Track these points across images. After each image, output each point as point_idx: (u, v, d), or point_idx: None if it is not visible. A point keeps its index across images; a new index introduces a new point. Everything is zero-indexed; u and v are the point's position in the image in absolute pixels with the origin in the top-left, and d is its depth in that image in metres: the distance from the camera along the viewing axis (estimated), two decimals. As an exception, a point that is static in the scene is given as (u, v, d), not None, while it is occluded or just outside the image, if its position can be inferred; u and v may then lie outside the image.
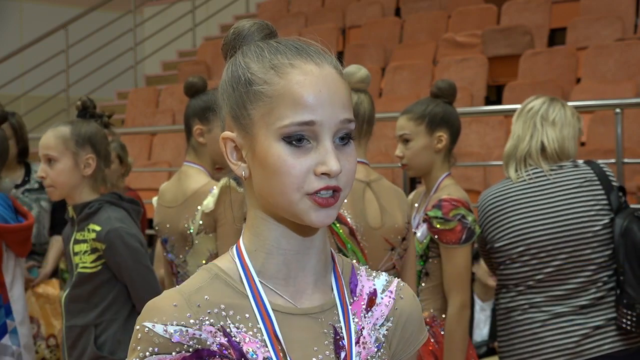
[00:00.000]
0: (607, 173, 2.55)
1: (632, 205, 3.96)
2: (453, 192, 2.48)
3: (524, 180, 2.56)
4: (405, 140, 2.54)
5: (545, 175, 2.55)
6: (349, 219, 2.19)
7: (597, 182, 2.53)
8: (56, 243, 3.96)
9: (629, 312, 2.43)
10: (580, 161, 2.60)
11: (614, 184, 2.54)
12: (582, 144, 4.99)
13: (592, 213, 2.50)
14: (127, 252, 2.35)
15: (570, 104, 4.30)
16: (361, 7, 8.14)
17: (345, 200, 2.16)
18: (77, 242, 2.42)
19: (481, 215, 2.61)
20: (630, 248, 2.44)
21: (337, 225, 2.16)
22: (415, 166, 2.55)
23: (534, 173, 2.56)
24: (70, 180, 2.43)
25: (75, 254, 2.42)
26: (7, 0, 10.06)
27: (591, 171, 2.55)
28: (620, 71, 5.57)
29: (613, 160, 3.89)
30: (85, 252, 2.39)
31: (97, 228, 2.37)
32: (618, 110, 3.85)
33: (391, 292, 1.12)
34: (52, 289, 3.86)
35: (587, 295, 2.48)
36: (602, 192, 2.52)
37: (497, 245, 2.55)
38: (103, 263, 2.38)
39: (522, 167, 2.58)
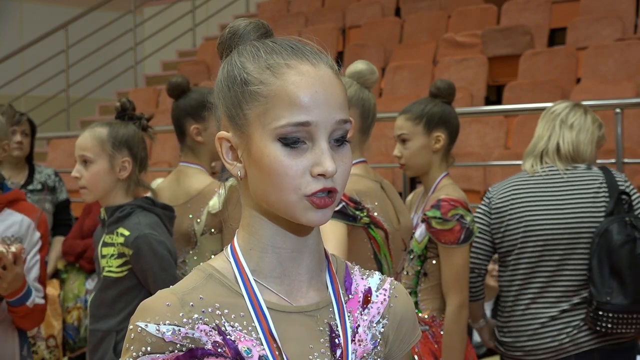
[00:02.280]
0: (617, 180, 2.61)
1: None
2: (451, 192, 2.48)
3: (540, 175, 2.65)
4: (403, 140, 2.54)
5: (559, 173, 2.63)
6: (383, 223, 2.17)
7: (605, 188, 2.58)
8: (57, 244, 3.96)
9: (596, 312, 2.48)
10: (595, 167, 2.66)
11: (622, 189, 2.58)
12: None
13: (595, 216, 2.56)
14: (154, 259, 2.26)
15: (570, 104, 4.30)
16: (361, 7, 8.14)
17: (376, 203, 2.17)
18: (105, 244, 2.36)
19: (493, 206, 2.67)
20: (603, 247, 2.50)
21: (375, 230, 2.14)
22: (413, 166, 2.55)
23: (549, 170, 2.65)
24: (104, 183, 2.35)
25: (103, 256, 2.36)
26: (7, 0, 10.06)
27: (602, 176, 2.61)
28: (620, 71, 5.57)
29: (613, 160, 3.89)
30: (112, 255, 2.32)
31: (126, 233, 2.29)
32: (618, 110, 3.84)
33: (385, 290, 1.12)
34: (52, 289, 3.83)
35: (585, 292, 2.56)
36: (607, 197, 2.57)
37: (507, 234, 2.63)
38: (129, 269, 2.30)
39: (538, 163, 2.68)
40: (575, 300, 2.56)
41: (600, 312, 2.48)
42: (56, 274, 3.99)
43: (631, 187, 2.63)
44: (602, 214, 2.55)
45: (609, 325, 2.47)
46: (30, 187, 3.94)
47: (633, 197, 2.60)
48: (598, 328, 2.49)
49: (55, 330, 3.78)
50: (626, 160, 3.93)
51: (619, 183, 2.60)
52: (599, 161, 4.18)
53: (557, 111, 2.71)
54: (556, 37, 6.72)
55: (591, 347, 2.55)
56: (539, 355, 2.60)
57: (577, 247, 2.56)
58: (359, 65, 2.23)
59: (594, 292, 2.50)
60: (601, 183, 2.59)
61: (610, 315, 2.47)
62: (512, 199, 2.64)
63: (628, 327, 2.48)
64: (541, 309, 2.60)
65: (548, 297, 2.59)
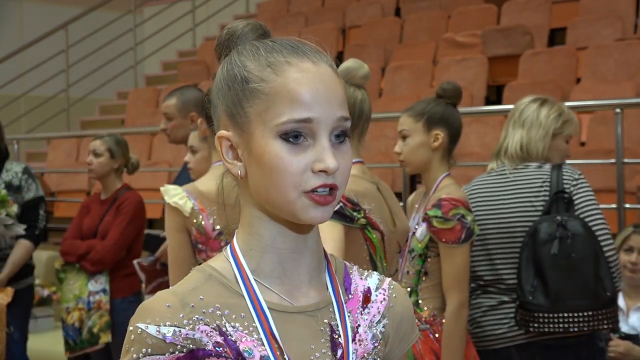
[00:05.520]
0: (565, 178, 2.60)
1: (629, 205, 3.97)
2: (452, 191, 2.48)
3: (492, 175, 2.73)
4: (404, 137, 2.55)
5: (505, 174, 2.69)
6: (380, 225, 2.16)
7: (547, 186, 2.60)
8: (18, 247, 3.76)
9: (521, 311, 2.53)
10: (547, 164, 2.66)
11: (565, 187, 2.59)
12: (582, 144, 4.99)
13: (533, 215, 2.59)
14: None
15: (570, 104, 4.32)
16: (361, 7, 8.14)
17: (373, 205, 2.16)
18: None
19: None
20: (530, 247, 2.54)
21: (371, 231, 2.13)
22: (412, 163, 2.56)
23: (500, 170, 2.72)
24: None
25: None
26: (7, 0, 10.06)
27: (547, 174, 2.62)
28: (620, 71, 5.56)
29: (613, 160, 3.89)
30: None
31: None
32: (618, 110, 3.85)
33: (384, 290, 1.13)
34: (2, 298, 3.56)
35: None
36: (547, 196, 2.59)
37: None
38: None
39: (496, 164, 2.76)
40: (515, 295, 2.62)
41: (524, 312, 2.51)
42: (24, 272, 3.81)
43: (580, 184, 2.61)
44: (540, 213, 2.58)
45: (533, 325, 2.49)
46: None
47: (577, 196, 2.59)
48: (531, 329, 2.52)
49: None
50: (626, 160, 3.92)
51: (565, 181, 2.59)
52: (598, 161, 4.22)
53: (517, 108, 2.74)
54: (556, 37, 6.72)
55: (528, 341, 2.59)
56: (483, 342, 2.67)
57: (516, 246, 2.61)
58: (346, 63, 2.21)
59: (518, 292, 2.54)
60: (544, 182, 2.61)
61: (534, 315, 2.49)
62: (469, 199, 2.68)
63: (552, 326, 2.49)
64: (485, 299, 2.67)
65: (493, 290, 2.66)
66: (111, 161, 3.92)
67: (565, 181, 2.59)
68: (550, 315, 2.48)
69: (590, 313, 2.49)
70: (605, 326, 2.54)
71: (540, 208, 2.59)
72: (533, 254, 2.53)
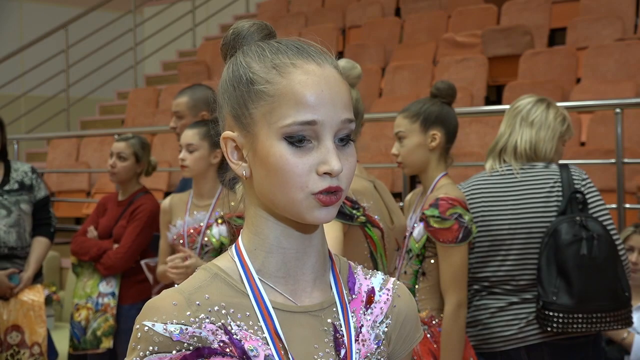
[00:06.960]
0: (574, 178, 2.61)
1: (629, 205, 3.98)
2: (450, 191, 2.48)
3: (497, 175, 2.71)
4: (400, 138, 2.55)
5: (513, 173, 2.67)
6: (379, 222, 2.17)
7: (559, 187, 2.60)
8: (37, 244, 3.80)
9: (543, 311, 2.53)
10: (554, 164, 2.67)
11: (577, 187, 2.60)
12: (582, 144, 5.00)
13: (547, 215, 2.59)
14: None
15: (570, 104, 4.33)
16: (361, 7, 8.14)
17: (371, 202, 2.16)
18: None
19: None
20: (552, 247, 2.54)
21: (371, 229, 2.14)
22: (410, 164, 2.56)
23: (506, 169, 2.70)
24: None
25: None
26: (7, 0, 10.06)
27: (557, 174, 2.62)
28: (620, 71, 5.57)
29: (613, 160, 3.90)
30: None
31: None
32: (618, 110, 3.85)
33: (389, 290, 1.13)
34: (35, 294, 3.72)
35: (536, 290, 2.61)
36: (561, 197, 2.59)
37: None
38: None
39: (497, 163, 2.73)
40: (526, 295, 2.61)
41: (547, 312, 2.51)
42: (40, 277, 3.84)
43: (589, 185, 2.63)
44: (554, 213, 2.58)
45: (556, 325, 2.49)
46: (7, 187, 3.73)
47: (588, 196, 2.60)
48: (549, 329, 2.52)
49: (40, 337, 3.67)
50: (626, 160, 3.93)
51: (575, 181, 2.60)
52: (598, 161, 4.23)
53: (520, 107, 2.72)
54: (556, 37, 6.73)
55: (540, 341, 2.59)
56: (491, 344, 2.65)
57: (530, 246, 2.60)
58: (339, 63, 2.22)
59: (540, 292, 2.54)
60: (555, 182, 2.61)
61: (557, 315, 2.49)
62: (470, 198, 2.68)
63: (575, 327, 2.50)
64: (492, 301, 2.66)
65: (499, 291, 2.65)
66: (136, 165, 3.90)
67: (575, 181, 2.60)
68: (574, 315, 2.49)
69: (612, 313, 2.52)
70: (623, 325, 2.56)
71: (554, 208, 2.58)
72: (555, 255, 2.52)
